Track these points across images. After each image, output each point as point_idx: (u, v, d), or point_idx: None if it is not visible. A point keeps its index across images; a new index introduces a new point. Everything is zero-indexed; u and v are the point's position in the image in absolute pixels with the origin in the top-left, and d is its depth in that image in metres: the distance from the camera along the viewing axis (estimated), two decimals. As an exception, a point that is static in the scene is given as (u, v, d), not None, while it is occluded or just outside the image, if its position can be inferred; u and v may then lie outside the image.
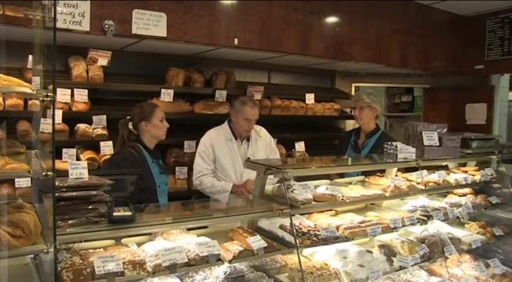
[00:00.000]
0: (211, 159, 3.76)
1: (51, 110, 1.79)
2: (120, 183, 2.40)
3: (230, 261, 2.32)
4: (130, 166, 3.11)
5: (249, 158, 3.71)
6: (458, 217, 3.47)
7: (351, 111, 5.65)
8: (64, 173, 2.13)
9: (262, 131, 4.00)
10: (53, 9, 1.72)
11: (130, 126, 3.35)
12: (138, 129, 3.32)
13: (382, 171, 3.63)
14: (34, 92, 1.75)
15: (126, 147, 3.27)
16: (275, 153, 4.03)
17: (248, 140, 3.84)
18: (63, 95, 3.76)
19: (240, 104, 3.74)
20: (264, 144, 3.92)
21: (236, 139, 3.80)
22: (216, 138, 3.78)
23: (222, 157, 3.73)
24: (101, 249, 2.28)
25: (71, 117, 3.85)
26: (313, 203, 2.74)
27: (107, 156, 3.84)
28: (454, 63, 5.96)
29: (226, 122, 3.88)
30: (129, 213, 2.11)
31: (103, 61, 3.92)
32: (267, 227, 2.82)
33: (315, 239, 2.65)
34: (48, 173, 1.67)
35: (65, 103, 3.80)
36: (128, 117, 3.40)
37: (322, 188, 2.92)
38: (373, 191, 3.16)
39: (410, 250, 3.02)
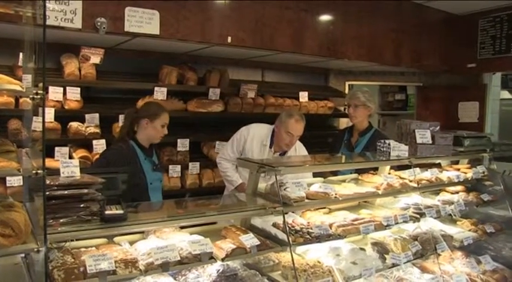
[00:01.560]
0: (239, 151, 3.78)
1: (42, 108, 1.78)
2: (111, 181, 2.38)
3: (223, 260, 2.32)
4: (120, 162, 3.10)
5: None
6: (450, 214, 3.49)
7: (344, 109, 5.66)
8: (56, 172, 2.12)
9: (302, 150, 3.89)
10: (43, 6, 1.71)
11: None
12: (138, 124, 3.29)
13: (375, 169, 3.64)
14: (24, 90, 1.74)
15: (118, 143, 3.28)
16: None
17: (282, 154, 3.75)
18: (55, 93, 3.74)
19: (286, 115, 3.65)
20: None
21: (271, 147, 3.75)
22: (252, 136, 3.77)
23: (249, 155, 3.69)
24: (93, 248, 2.26)
25: (64, 116, 3.83)
26: (306, 200, 2.74)
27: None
28: (447, 62, 5.99)
29: (272, 129, 3.79)
30: (121, 211, 2.10)
31: (95, 59, 3.90)
32: (260, 225, 2.82)
33: (308, 236, 2.65)
34: (39, 171, 1.65)
35: (57, 101, 3.78)
36: (134, 109, 3.42)
37: (315, 186, 2.92)
38: (366, 188, 3.17)
39: (403, 247, 3.03)
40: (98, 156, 3.82)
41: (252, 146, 3.75)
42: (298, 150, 3.88)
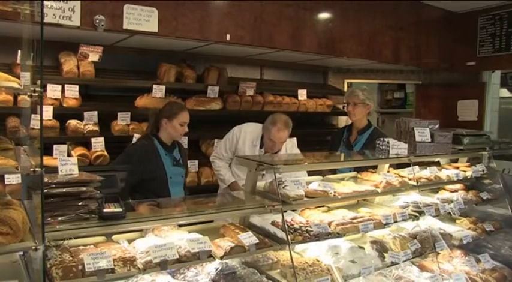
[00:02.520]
0: (232, 151, 3.83)
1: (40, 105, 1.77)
2: (110, 178, 2.38)
3: (221, 258, 2.31)
4: (140, 157, 3.29)
5: None
6: (449, 213, 3.49)
7: (343, 107, 5.65)
8: (55, 170, 2.11)
9: (294, 149, 3.89)
10: (40, 4, 1.69)
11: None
12: (159, 123, 3.44)
13: (374, 167, 3.63)
14: (21, 87, 1.73)
15: (141, 140, 3.48)
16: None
17: (274, 153, 3.73)
18: (53, 90, 3.73)
19: (270, 122, 3.59)
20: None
21: (261, 148, 3.74)
22: (244, 136, 3.79)
23: (240, 155, 3.70)
24: (91, 246, 2.26)
25: (62, 114, 3.82)
26: (305, 199, 2.74)
27: (98, 153, 3.84)
28: (446, 60, 5.98)
29: (261, 129, 3.77)
30: (120, 209, 2.09)
31: (94, 57, 3.89)
32: (259, 223, 2.81)
33: (306, 235, 2.65)
34: (37, 169, 1.64)
35: (56, 99, 3.77)
36: (157, 109, 3.56)
37: (314, 184, 2.92)
38: (365, 187, 3.16)
39: (402, 246, 3.03)
40: (96, 154, 3.84)
41: (244, 146, 3.77)
42: (290, 149, 3.89)
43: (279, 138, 3.57)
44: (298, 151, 3.97)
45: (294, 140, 3.99)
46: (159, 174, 3.36)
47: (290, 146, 3.93)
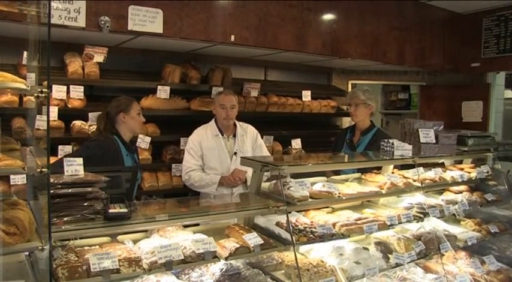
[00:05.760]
0: (199, 155, 3.81)
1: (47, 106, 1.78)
2: (115, 179, 2.38)
3: (226, 258, 2.31)
4: (104, 156, 3.16)
5: (235, 153, 3.79)
6: (454, 214, 3.48)
7: (347, 109, 5.65)
8: (60, 170, 2.12)
9: (250, 128, 4.04)
10: (47, 5, 1.70)
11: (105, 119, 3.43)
12: (115, 121, 3.38)
13: (379, 169, 3.63)
14: (28, 88, 1.74)
15: (102, 136, 3.34)
16: (261, 148, 4.05)
17: (234, 136, 3.89)
18: (58, 91, 3.74)
19: (216, 94, 3.98)
20: (250, 140, 3.97)
21: (222, 135, 3.85)
22: (203, 135, 3.85)
23: (210, 152, 3.78)
24: (97, 247, 2.27)
25: (67, 114, 3.83)
26: (310, 200, 2.74)
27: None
28: (451, 61, 5.97)
29: (213, 119, 3.94)
30: (125, 210, 2.10)
31: (99, 58, 3.90)
32: (264, 224, 2.82)
33: (311, 236, 2.65)
34: (43, 169, 1.65)
35: (61, 100, 3.77)
36: (103, 112, 3.48)
37: (319, 185, 2.92)
38: (369, 188, 3.16)
39: (407, 247, 3.03)
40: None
41: (208, 142, 3.80)
42: (246, 128, 4.00)
43: (227, 100, 3.79)
44: (262, 142, 4.10)
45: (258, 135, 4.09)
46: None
47: (256, 135, 4.04)
